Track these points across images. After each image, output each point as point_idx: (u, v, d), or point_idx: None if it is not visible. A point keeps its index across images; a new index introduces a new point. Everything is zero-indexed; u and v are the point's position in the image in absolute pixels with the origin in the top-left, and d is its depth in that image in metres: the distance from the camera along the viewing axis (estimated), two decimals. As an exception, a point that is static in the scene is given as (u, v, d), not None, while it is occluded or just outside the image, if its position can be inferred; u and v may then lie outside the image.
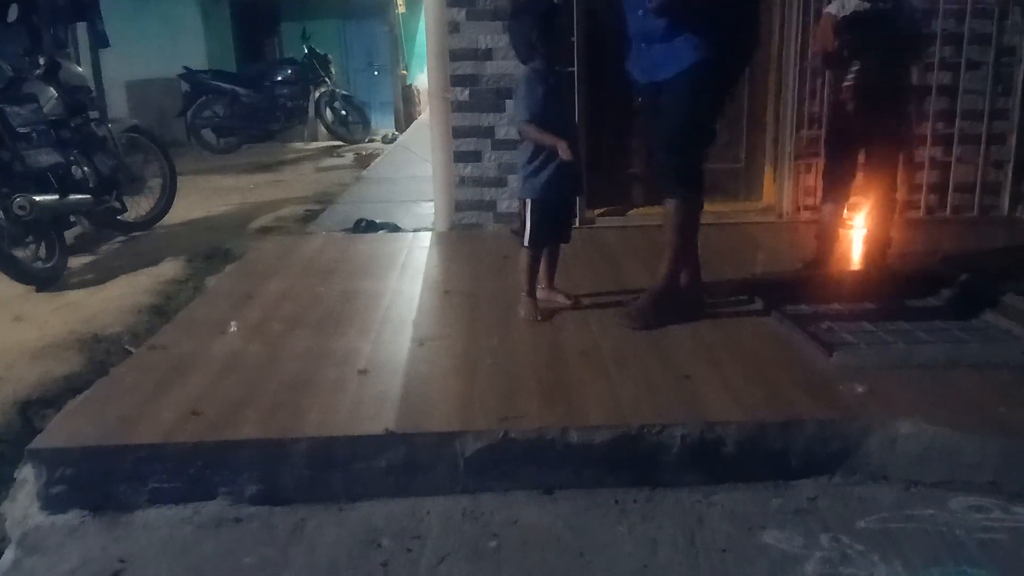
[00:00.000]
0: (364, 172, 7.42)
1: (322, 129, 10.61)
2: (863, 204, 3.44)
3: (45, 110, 4.36)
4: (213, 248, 4.59)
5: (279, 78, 10.05)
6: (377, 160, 8.25)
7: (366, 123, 10.70)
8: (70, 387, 2.70)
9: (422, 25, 4.86)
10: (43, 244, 4.09)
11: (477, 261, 3.68)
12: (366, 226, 4.61)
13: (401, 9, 13.46)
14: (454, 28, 4.10)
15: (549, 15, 2.72)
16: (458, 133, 4.23)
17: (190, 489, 1.98)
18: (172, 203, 5.43)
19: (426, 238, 4.26)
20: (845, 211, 3.43)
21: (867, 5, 3.07)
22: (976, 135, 4.23)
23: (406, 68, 13.70)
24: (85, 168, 4.50)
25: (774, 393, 2.21)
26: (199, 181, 7.18)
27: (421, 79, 12.33)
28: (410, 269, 3.63)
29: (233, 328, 2.82)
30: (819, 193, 4.20)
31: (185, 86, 9.61)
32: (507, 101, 4.13)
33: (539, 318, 2.84)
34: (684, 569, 1.72)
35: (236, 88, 9.69)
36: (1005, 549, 1.75)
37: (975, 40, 4.11)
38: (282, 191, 6.86)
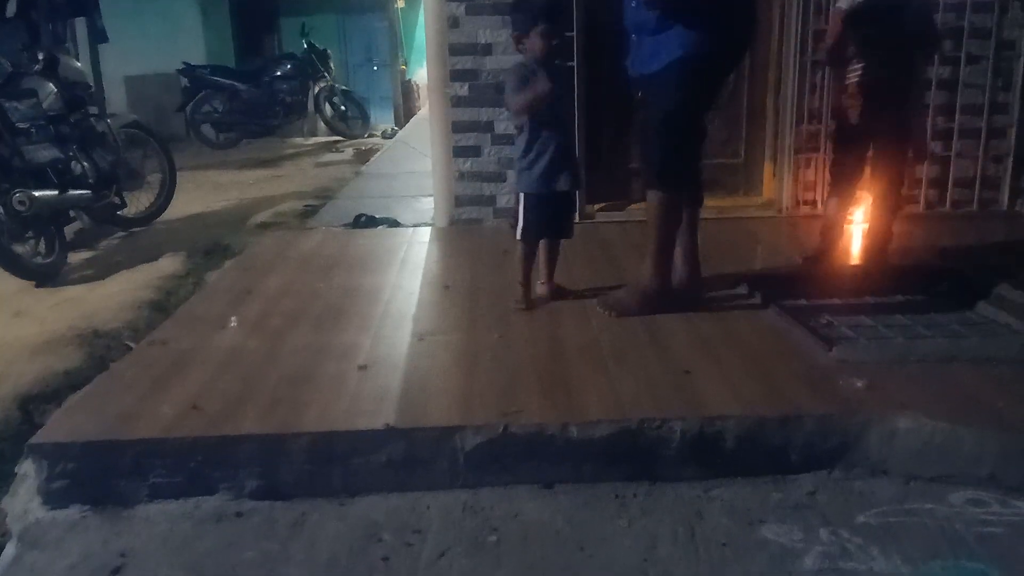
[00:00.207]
0: (363, 167, 7.41)
1: (321, 124, 10.59)
2: (866, 199, 3.44)
3: (44, 106, 4.36)
4: (213, 244, 4.59)
5: (278, 73, 10.03)
6: (376, 155, 8.24)
7: (365, 118, 10.69)
8: (70, 382, 2.70)
9: (421, 20, 4.85)
10: (43, 240, 4.09)
11: (477, 256, 3.67)
12: (366, 221, 4.61)
13: (400, 4, 13.44)
14: (453, 23, 4.09)
15: (550, 8, 2.71)
16: (458, 128, 4.23)
17: (191, 484, 1.99)
18: (171, 198, 5.42)
19: (426, 233, 4.25)
20: (850, 206, 3.43)
21: None
22: (976, 129, 4.23)
23: (405, 63, 13.69)
24: (84, 164, 4.49)
25: (774, 388, 2.21)
26: (198, 176, 7.17)
27: (420, 74, 12.33)
28: (410, 264, 3.63)
29: (233, 323, 2.82)
30: (827, 188, 4.24)
31: (184, 81, 9.60)
32: (507, 96, 4.12)
33: (524, 306, 2.88)
34: (684, 563, 1.72)
35: (235, 83, 9.68)
36: (1004, 543, 1.75)
37: (975, 34, 4.11)
38: (281, 186, 6.86)
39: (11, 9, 5.52)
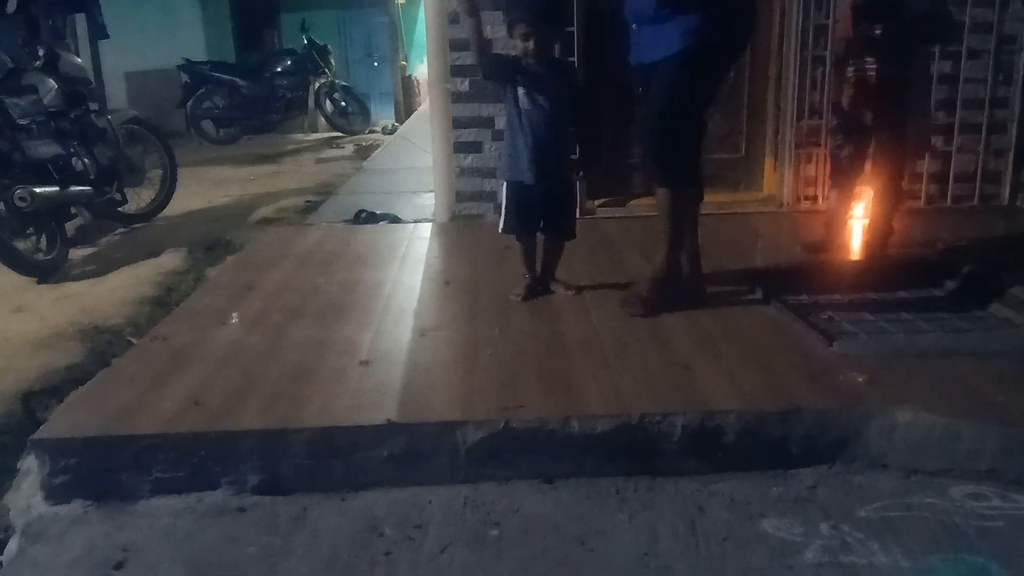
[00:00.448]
0: (364, 163, 7.42)
1: (322, 120, 10.59)
2: (867, 193, 3.44)
3: (45, 101, 4.36)
4: (214, 239, 4.59)
5: (278, 69, 10.03)
6: (377, 151, 8.24)
7: (366, 114, 10.68)
8: (72, 378, 2.70)
9: (422, 15, 4.85)
10: (44, 236, 4.09)
11: (477, 252, 3.68)
12: (366, 217, 4.61)
13: (401, -1, 13.43)
14: (454, 18, 4.08)
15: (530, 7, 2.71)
16: (458, 124, 4.23)
17: (193, 479, 1.99)
18: (172, 194, 5.43)
19: (426, 229, 4.26)
20: (853, 199, 3.43)
21: None
22: (977, 124, 4.22)
23: (406, 58, 13.67)
24: (85, 159, 4.49)
25: (774, 382, 2.21)
26: (199, 172, 7.17)
27: (421, 69, 12.31)
28: (410, 260, 3.63)
29: (234, 319, 2.83)
30: (828, 183, 4.24)
31: (185, 77, 9.60)
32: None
33: (519, 299, 2.90)
34: (684, 557, 1.72)
35: (235, 79, 9.67)
36: (1004, 536, 1.76)
37: (976, 28, 4.09)
38: (282, 182, 6.86)
39: (11, 5, 5.51)
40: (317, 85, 10.12)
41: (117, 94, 9.29)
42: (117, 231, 5.01)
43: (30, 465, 2.09)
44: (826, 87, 4.10)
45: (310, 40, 10.21)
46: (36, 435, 2.03)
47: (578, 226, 3.01)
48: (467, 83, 4.17)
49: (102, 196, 4.60)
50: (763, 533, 1.79)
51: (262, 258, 3.74)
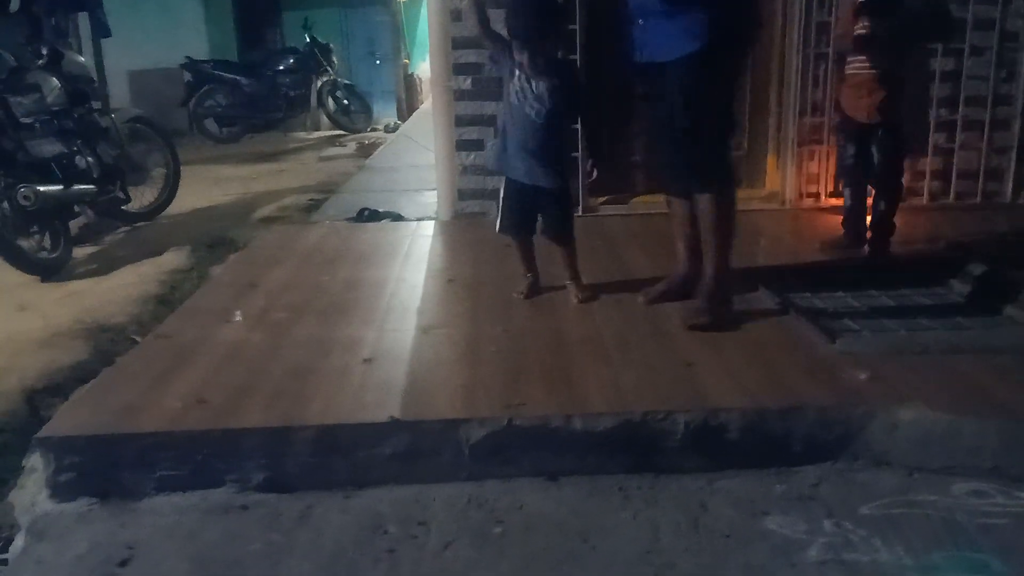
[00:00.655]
0: (367, 161, 7.42)
1: (324, 118, 10.59)
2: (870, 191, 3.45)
3: (48, 100, 4.36)
4: (217, 237, 4.60)
5: (281, 67, 10.03)
6: (379, 149, 8.24)
7: (368, 112, 10.68)
8: (76, 376, 2.71)
9: (424, 13, 4.84)
10: (47, 234, 4.10)
11: (480, 249, 3.68)
12: (369, 215, 4.61)
13: (403, -3, 13.41)
14: (456, 16, 4.08)
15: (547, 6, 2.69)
16: (461, 122, 4.23)
17: (197, 476, 2.00)
18: (175, 193, 5.43)
19: (429, 227, 4.26)
20: (866, 196, 3.43)
21: None
22: (979, 121, 4.22)
23: (408, 57, 13.65)
24: (89, 158, 4.50)
25: (777, 379, 2.22)
26: (202, 171, 7.18)
27: (423, 68, 12.29)
28: (413, 258, 3.64)
29: (237, 317, 2.83)
30: (830, 180, 4.24)
31: (187, 75, 9.60)
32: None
33: (522, 296, 2.91)
34: (688, 554, 1.73)
35: (238, 77, 9.68)
36: (1007, 534, 1.76)
37: (979, 26, 4.09)
38: (285, 180, 6.86)
39: (14, 4, 5.53)
40: (319, 83, 10.12)
41: (120, 93, 9.29)
42: (120, 229, 5.02)
43: (35, 463, 2.10)
44: (828, 84, 4.10)
45: (312, 38, 10.21)
46: (41, 433, 2.04)
47: (580, 224, 3.01)
48: (469, 81, 4.17)
49: (105, 195, 4.60)
50: (766, 530, 1.80)
51: (265, 256, 3.75)
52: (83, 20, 6.91)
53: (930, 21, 3.09)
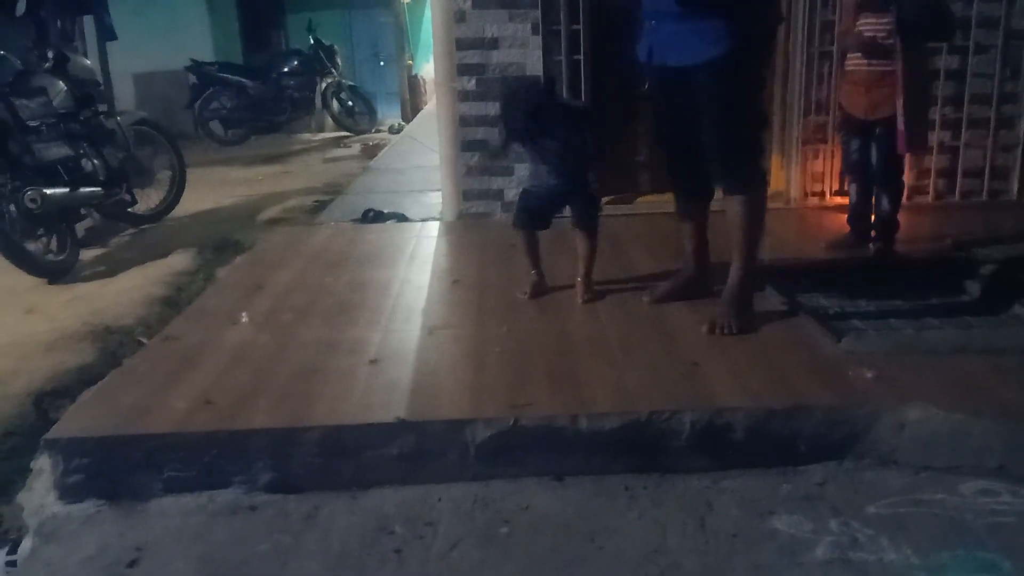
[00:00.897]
0: (371, 162, 7.42)
1: (329, 120, 10.60)
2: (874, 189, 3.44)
3: (54, 103, 4.38)
4: (223, 239, 4.61)
5: (285, 69, 10.05)
6: (384, 150, 8.25)
7: (372, 113, 10.69)
8: (84, 378, 2.72)
9: (428, 14, 4.86)
10: (54, 237, 4.12)
11: (485, 250, 3.68)
12: (374, 216, 4.62)
13: (406, -1, 13.43)
14: (460, 17, 4.09)
15: (536, 113, 2.69)
16: (465, 122, 4.23)
17: (204, 478, 2.00)
18: (181, 195, 5.45)
19: (434, 228, 4.26)
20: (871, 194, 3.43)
21: None
22: (985, 119, 4.20)
23: (412, 58, 13.66)
24: (95, 161, 4.52)
25: (782, 379, 2.21)
26: (207, 173, 7.20)
27: (427, 69, 12.29)
28: (418, 259, 3.64)
29: (244, 319, 2.84)
30: (835, 179, 4.24)
31: (192, 78, 9.63)
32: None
33: (527, 297, 2.92)
34: (694, 554, 1.73)
35: (243, 80, 9.70)
36: (1015, 533, 1.75)
37: (983, 23, 4.08)
38: (290, 182, 6.88)
39: (20, 8, 5.56)
40: (324, 85, 10.14)
41: (125, 95, 9.32)
42: (127, 232, 5.03)
43: (43, 465, 2.10)
44: (832, 83, 4.09)
45: (316, 40, 10.23)
46: (49, 435, 2.05)
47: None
48: (473, 82, 4.17)
49: (112, 197, 4.62)
50: (772, 530, 1.80)
51: (271, 258, 3.76)
52: (88, 23, 6.94)
53: (930, 20, 3.08)
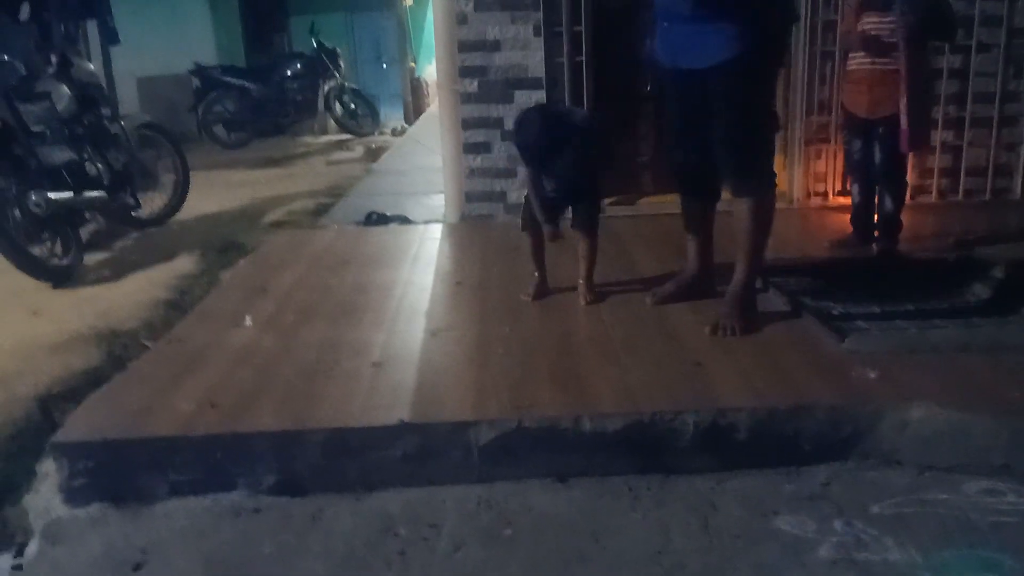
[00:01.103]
0: (374, 165, 7.43)
1: (332, 123, 10.62)
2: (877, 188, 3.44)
3: (58, 107, 4.39)
4: (226, 242, 4.62)
5: (288, 72, 10.07)
6: (387, 153, 8.26)
7: (375, 116, 10.70)
8: (89, 381, 2.72)
9: (430, 17, 4.86)
10: (59, 240, 4.13)
11: (488, 251, 3.69)
12: (377, 219, 4.63)
13: (408, 1, 13.44)
14: (462, 19, 4.10)
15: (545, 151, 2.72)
16: (467, 124, 4.24)
17: (209, 480, 2.01)
18: (185, 198, 5.45)
19: (437, 229, 4.27)
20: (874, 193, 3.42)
21: None
22: (988, 118, 4.20)
23: (414, 60, 13.69)
24: (99, 165, 4.52)
25: (786, 379, 2.21)
26: (211, 176, 7.20)
27: (430, 71, 12.33)
28: (421, 260, 3.65)
29: (248, 321, 2.85)
30: (838, 179, 4.24)
31: (195, 81, 9.65)
32: (516, 92, 4.14)
33: (530, 298, 2.93)
34: (697, 554, 1.73)
35: (246, 83, 9.72)
36: (1019, 532, 1.75)
37: (986, 22, 4.08)
38: (293, 185, 6.88)
39: (24, 13, 5.57)
40: (326, 88, 10.15)
41: (129, 99, 9.34)
42: (131, 235, 5.04)
43: (48, 468, 2.11)
44: (835, 83, 4.09)
45: (319, 43, 10.25)
46: (54, 438, 2.06)
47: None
48: (475, 84, 4.18)
49: (116, 201, 4.62)
50: (776, 530, 1.80)
51: (274, 260, 3.77)
52: (92, 27, 6.96)
53: (933, 19, 3.08)
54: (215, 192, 6.44)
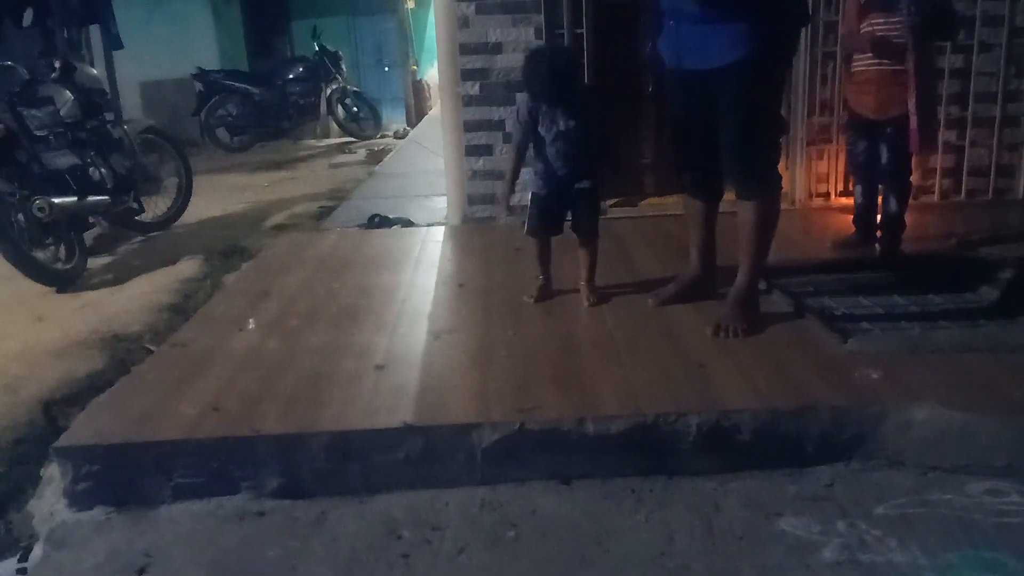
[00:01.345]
0: (376, 168, 7.44)
1: (334, 126, 10.65)
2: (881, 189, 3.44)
3: (62, 113, 4.40)
4: (230, 246, 4.63)
5: (291, 76, 10.09)
6: (389, 156, 8.27)
7: (377, 119, 10.72)
8: (93, 386, 2.74)
9: (431, 20, 4.87)
10: (62, 245, 4.14)
11: (490, 254, 3.69)
12: (379, 221, 4.63)
13: (410, 4, 13.46)
14: (463, 22, 4.11)
15: (560, 74, 2.69)
16: (469, 127, 4.24)
17: (213, 484, 2.02)
18: (188, 202, 5.47)
19: (439, 232, 4.27)
20: (877, 194, 3.42)
21: None
22: (990, 118, 4.19)
23: (416, 63, 13.70)
24: (102, 169, 4.54)
25: (789, 380, 2.21)
26: (214, 180, 7.23)
27: (431, 74, 12.34)
28: (424, 263, 3.65)
29: (251, 325, 2.85)
30: (840, 179, 4.24)
31: (198, 86, 9.67)
32: (517, 94, 4.14)
33: (532, 300, 2.93)
34: (701, 556, 1.73)
35: (248, 87, 9.74)
36: (1023, 532, 1.75)
37: (988, 21, 4.07)
38: (296, 188, 6.90)
39: (28, 18, 5.59)
40: (329, 91, 10.17)
41: (132, 104, 9.37)
42: (135, 239, 5.06)
43: (53, 472, 2.12)
44: (836, 83, 4.09)
45: (321, 47, 10.27)
46: (58, 443, 2.06)
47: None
48: (477, 87, 4.18)
49: (119, 205, 4.64)
50: (780, 532, 1.80)
51: (277, 264, 3.77)
52: (95, 32, 6.97)
53: (934, 19, 3.08)
54: (218, 196, 6.46)
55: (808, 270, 3.15)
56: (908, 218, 3.34)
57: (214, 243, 4.74)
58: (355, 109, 10.39)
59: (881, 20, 3.16)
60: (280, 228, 5.17)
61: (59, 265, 4.09)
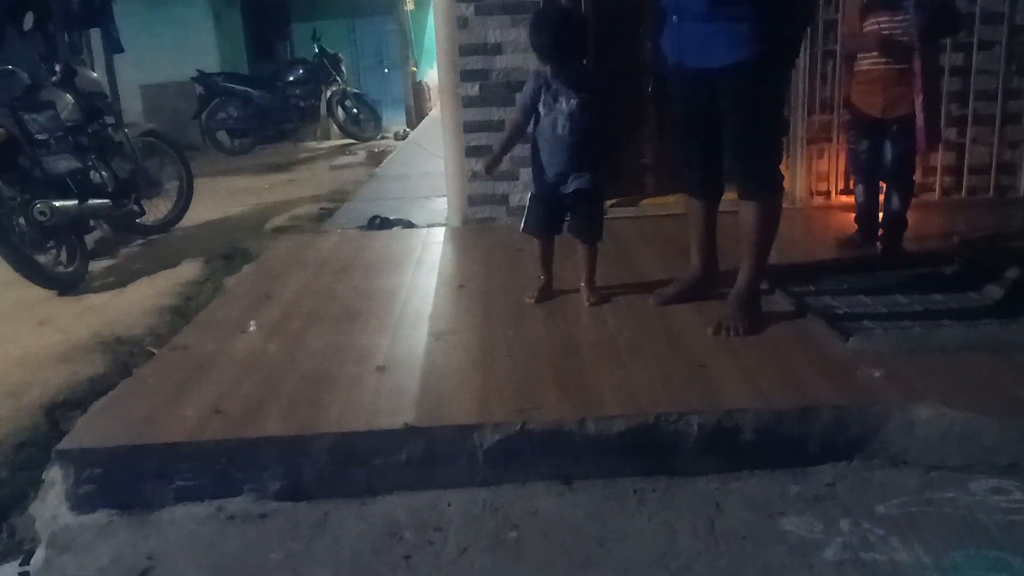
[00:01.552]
0: (377, 169, 7.44)
1: (334, 128, 10.66)
2: (882, 187, 3.44)
3: (63, 116, 4.41)
4: (231, 248, 4.63)
5: (291, 78, 10.10)
6: (389, 157, 8.27)
7: (378, 121, 10.73)
8: (95, 389, 2.74)
9: (431, 21, 4.87)
10: (64, 249, 4.14)
11: (491, 255, 3.69)
12: (380, 223, 4.63)
13: (410, 6, 13.47)
14: (463, 23, 4.11)
15: (565, 26, 2.69)
16: (469, 128, 4.25)
17: (215, 486, 2.01)
18: (189, 205, 5.48)
19: (440, 233, 4.27)
20: (878, 192, 3.42)
21: None
22: (990, 115, 4.19)
23: (416, 65, 13.72)
24: (103, 173, 4.55)
25: (791, 379, 2.21)
26: (215, 183, 7.23)
27: (431, 75, 12.34)
28: (425, 264, 3.65)
29: (252, 327, 2.85)
30: (840, 178, 4.23)
31: (199, 89, 9.68)
32: (517, 95, 4.14)
33: (533, 301, 2.93)
34: (703, 556, 1.73)
35: (249, 90, 9.75)
36: (1026, 531, 1.75)
37: (988, 19, 4.07)
38: (296, 190, 6.90)
39: (28, 22, 5.60)
40: (329, 93, 10.19)
41: (133, 107, 9.38)
42: (136, 243, 5.06)
43: (55, 476, 2.12)
44: (837, 82, 4.09)
45: (321, 49, 10.28)
46: (61, 446, 2.06)
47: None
48: (477, 87, 4.19)
49: (120, 208, 4.65)
50: (782, 531, 1.79)
51: (278, 266, 3.78)
52: (96, 36, 6.98)
53: (936, 17, 3.08)
54: (219, 199, 6.46)
55: (810, 269, 3.15)
56: (909, 216, 3.34)
57: (215, 246, 4.75)
58: (355, 111, 10.41)
59: (886, 19, 3.15)
60: (281, 230, 5.17)
61: (60, 269, 4.10)
